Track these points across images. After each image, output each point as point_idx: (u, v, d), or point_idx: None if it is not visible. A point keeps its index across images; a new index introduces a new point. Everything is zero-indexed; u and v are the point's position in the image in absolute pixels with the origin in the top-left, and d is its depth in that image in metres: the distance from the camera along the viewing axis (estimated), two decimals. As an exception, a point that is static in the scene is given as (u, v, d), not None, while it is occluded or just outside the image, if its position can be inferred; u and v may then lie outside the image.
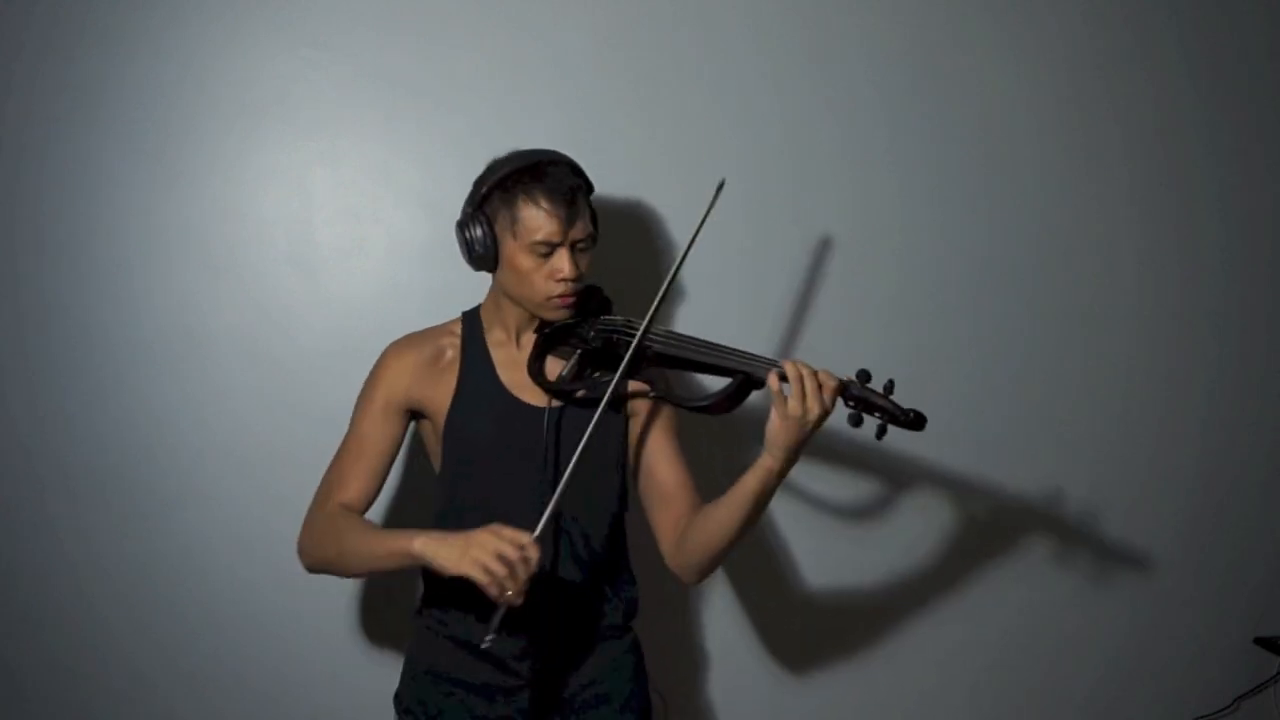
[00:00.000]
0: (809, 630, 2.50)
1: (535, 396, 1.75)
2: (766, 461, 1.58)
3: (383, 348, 1.80)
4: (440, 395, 1.77)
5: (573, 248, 1.69)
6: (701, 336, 1.69)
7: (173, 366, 2.16)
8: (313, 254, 2.19)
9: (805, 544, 2.45)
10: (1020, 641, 2.61)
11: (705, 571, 1.76)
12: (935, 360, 2.46)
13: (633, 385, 1.73)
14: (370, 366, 1.80)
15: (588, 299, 1.77)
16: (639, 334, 1.65)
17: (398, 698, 1.86)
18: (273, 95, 2.15)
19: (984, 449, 2.50)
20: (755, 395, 1.63)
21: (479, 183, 1.72)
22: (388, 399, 1.77)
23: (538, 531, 1.53)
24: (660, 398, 1.74)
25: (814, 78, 2.36)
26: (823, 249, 2.38)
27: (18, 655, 2.18)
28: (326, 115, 2.17)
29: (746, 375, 1.59)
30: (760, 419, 1.58)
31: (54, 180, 2.10)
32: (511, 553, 1.49)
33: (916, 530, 2.49)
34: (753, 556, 2.40)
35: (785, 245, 2.37)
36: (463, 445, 1.76)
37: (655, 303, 1.67)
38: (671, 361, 1.68)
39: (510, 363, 1.78)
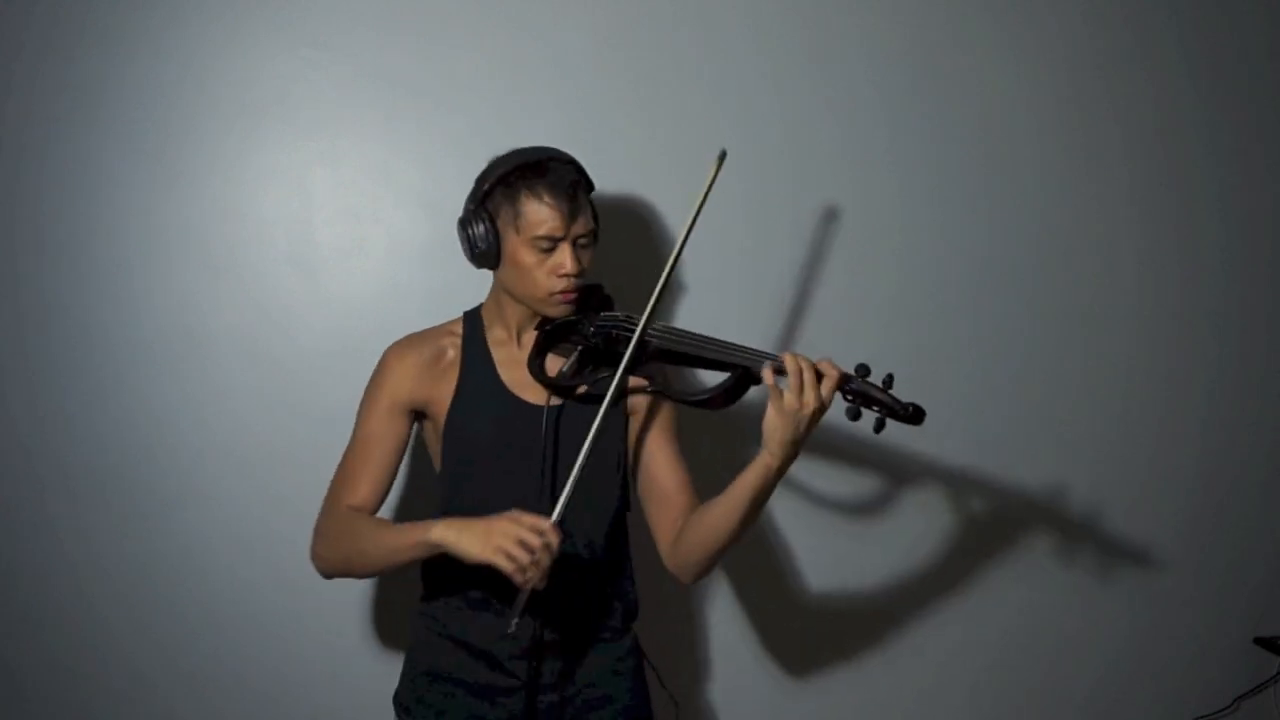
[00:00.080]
0: (809, 629, 2.50)
1: (536, 395, 1.75)
2: (764, 459, 1.57)
3: (383, 348, 1.80)
4: (441, 395, 1.77)
5: (575, 243, 1.69)
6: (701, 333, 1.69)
7: (173, 366, 2.16)
8: (313, 254, 2.19)
9: (805, 543, 2.45)
10: (1020, 641, 2.61)
11: (703, 571, 1.75)
12: (935, 360, 2.46)
13: (632, 381, 1.73)
14: (370, 367, 1.80)
15: (589, 296, 1.77)
16: (639, 327, 1.65)
17: (397, 698, 1.86)
18: (273, 95, 2.15)
19: (984, 448, 2.50)
20: (757, 393, 1.62)
21: (481, 179, 1.72)
22: (392, 400, 1.76)
23: (555, 516, 1.53)
24: (659, 392, 1.74)
25: (814, 78, 2.36)
26: (823, 249, 2.38)
27: (18, 655, 2.18)
28: (326, 115, 2.17)
29: (745, 369, 1.58)
30: (761, 417, 1.57)
31: (54, 180, 2.10)
32: (533, 539, 1.49)
33: (917, 530, 2.49)
34: (753, 555, 2.40)
35: (785, 245, 2.37)
36: (463, 445, 1.76)
37: (655, 294, 1.66)
38: (672, 357, 1.68)
39: (511, 361, 1.78)
